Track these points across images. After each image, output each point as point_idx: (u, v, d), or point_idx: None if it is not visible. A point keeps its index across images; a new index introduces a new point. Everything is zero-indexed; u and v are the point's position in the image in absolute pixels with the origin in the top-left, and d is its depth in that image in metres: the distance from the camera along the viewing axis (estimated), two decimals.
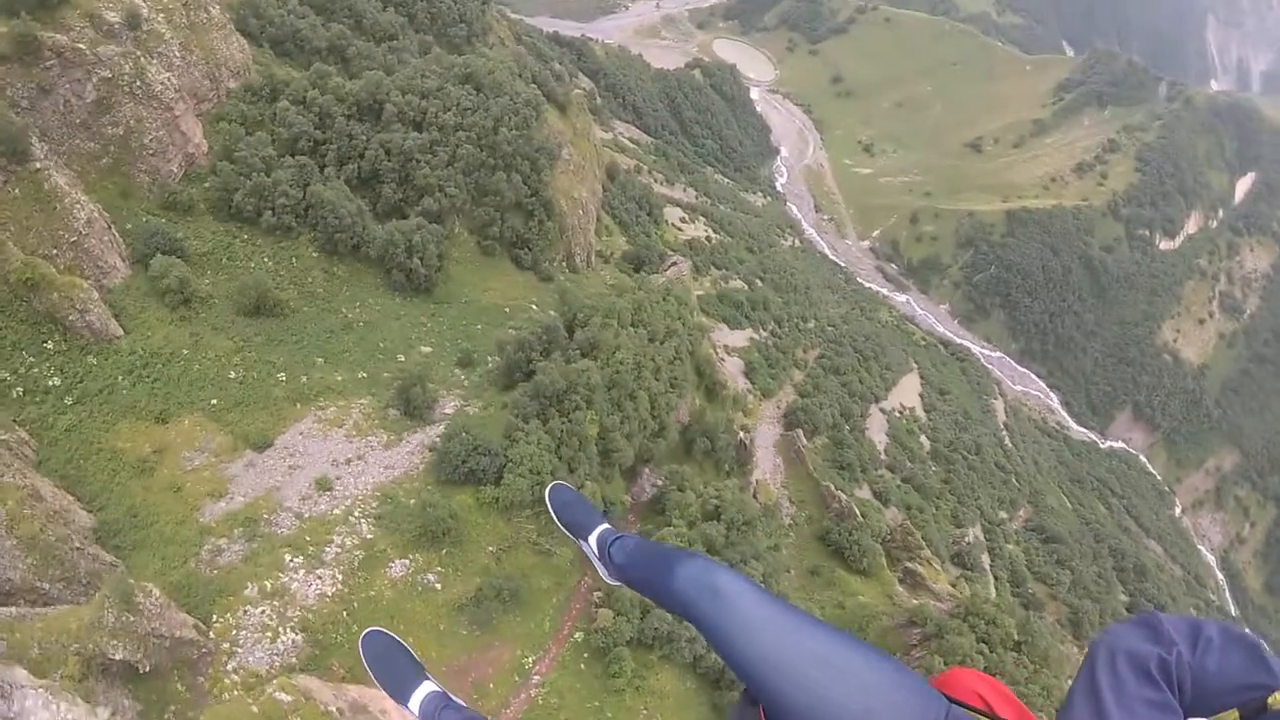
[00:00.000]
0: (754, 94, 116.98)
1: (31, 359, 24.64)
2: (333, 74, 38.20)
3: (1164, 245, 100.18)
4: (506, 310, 36.91)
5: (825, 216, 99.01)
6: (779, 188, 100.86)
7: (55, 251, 25.85)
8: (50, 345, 25.02)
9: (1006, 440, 74.65)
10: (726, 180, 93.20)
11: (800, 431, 47.18)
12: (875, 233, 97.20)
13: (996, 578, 51.75)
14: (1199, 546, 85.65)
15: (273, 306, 30.09)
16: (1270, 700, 1.24)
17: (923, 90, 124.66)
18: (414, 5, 49.89)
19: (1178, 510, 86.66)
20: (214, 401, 26.81)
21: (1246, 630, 1.37)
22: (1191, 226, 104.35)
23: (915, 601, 36.71)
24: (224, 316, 28.99)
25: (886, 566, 40.26)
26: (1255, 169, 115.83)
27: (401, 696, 2.64)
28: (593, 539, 2.59)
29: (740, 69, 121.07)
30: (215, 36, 34.25)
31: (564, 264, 43.64)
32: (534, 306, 37.86)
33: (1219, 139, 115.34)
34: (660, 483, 33.61)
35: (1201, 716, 1.28)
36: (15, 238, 25.13)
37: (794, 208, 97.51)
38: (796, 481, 44.47)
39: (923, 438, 61.42)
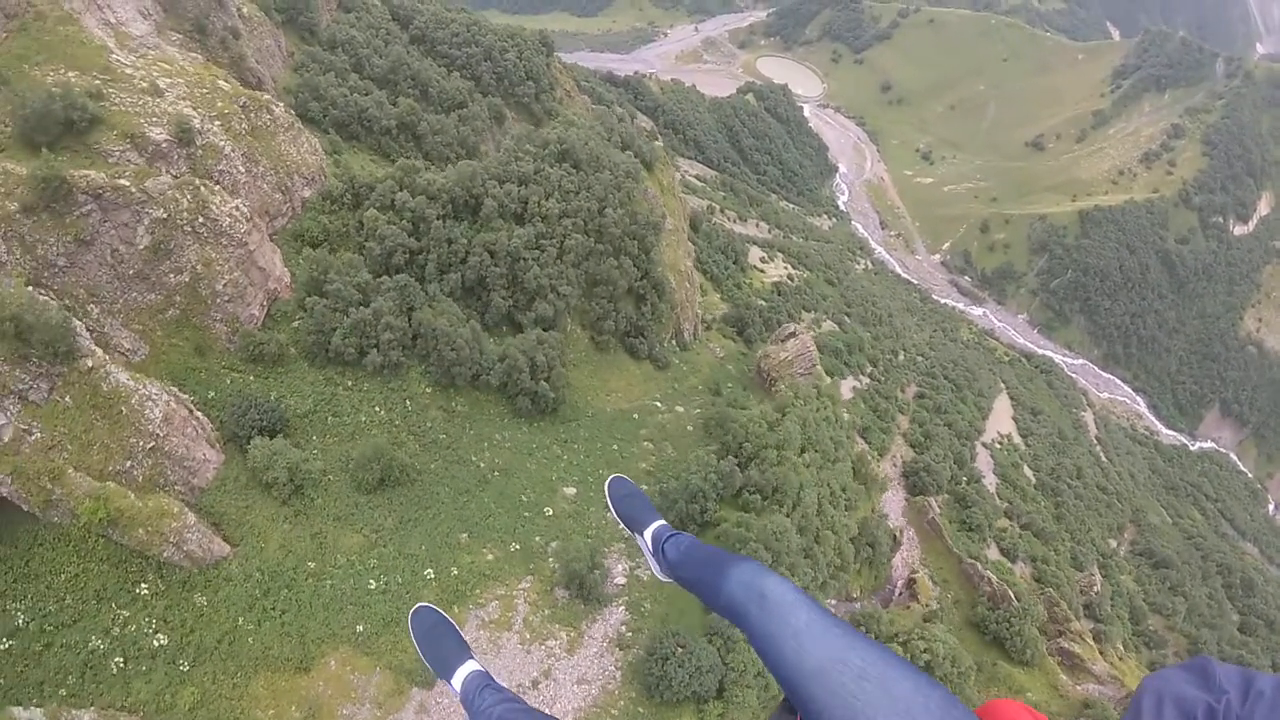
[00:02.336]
0: (805, 111, 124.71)
1: (125, 613, 21.06)
2: (420, 169, 36.71)
3: (1238, 230, 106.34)
4: (635, 417, 36.73)
5: (892, 233, 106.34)
6: (842, 206, 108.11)
7: (130, 464, 22.29)
8: (145, 589, 21.66)
9: (1102, 456, 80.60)
10: (792, 207, 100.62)
11: (933, 500, 49.07)
12: (945, 245, 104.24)
13: (1119, 618, 55.49)
14: None
15: (398, 474, 27.87)
16: None
17: (975, 90, 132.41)
18: (478, 67, 50.69)
19: (1271, 508, 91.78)
20: (360, 628, 23.76)
21: None
22: (1264, 208, 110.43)
23: (1080, 688, 39.01)
24: (345, 499, 26.72)
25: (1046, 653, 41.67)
26: None
27: (446, 672, 2.78)
28: (648, 534, 2.82)
29: (789, 87, 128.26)
30: (283, 140, 31.55)
31: (674, 341, 44.37)
32: (658, 404, 38.36)
33: None
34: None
35: None
36: (76, 458, 21.32)
37: (859, 226, 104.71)
38: (934, 557, 45.79)
39: (1026, 469, 66.57)
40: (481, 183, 36.36)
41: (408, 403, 30.60)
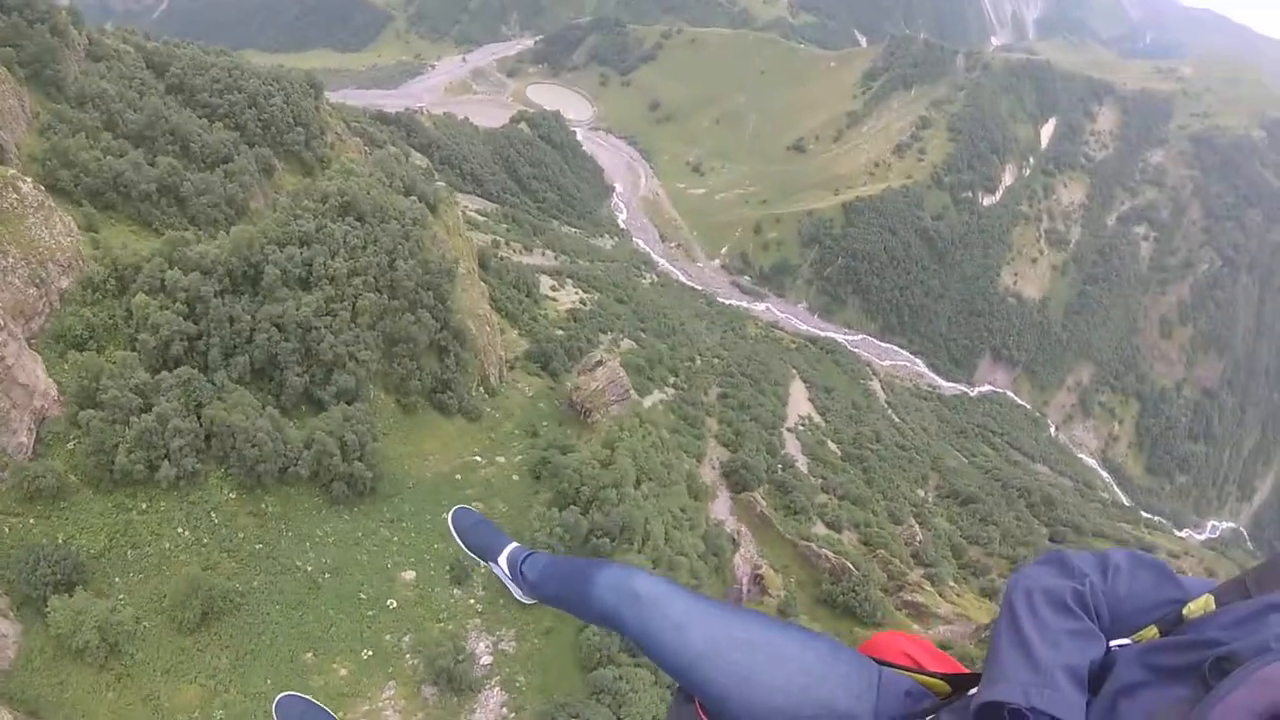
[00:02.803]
0: (578, 135, 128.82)
1: None
2: (190, 239, 33.34)
3: (987, 201, 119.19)
4: (458, 477, 35.67)
5: (673, 244, 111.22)
6: (621, 224, 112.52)
7: None
8: None
9: (895, 417, 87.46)
10: (575, 231, 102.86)
11: (757, 494, 51.52)
12: (723, 250, 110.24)
13: (944, 558, 59.35)
14: (1079, 455, 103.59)
15: (221, 603, 25.27)
16: (1185, 611, 1.40)
17: (738, 103, 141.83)
18: (243, 115, 47.37)
19: (1052, 430, 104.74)
20: None
21: (1151, 554, 1.61)
22: (1008, 178, 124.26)
23: (931, 633, 40.87)
24: (169, 646, 24.21)
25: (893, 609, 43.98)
26: (1054, 114, 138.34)
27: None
28: (503, 560, 2.77)
29: (561, 113, 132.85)
30: (33, 222, 28.00)
31: (481, 389, 42.65)
32: (479, 458, 37.25)
33: (1018, 95, 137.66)
34: None
35: (1123, 637, 1.45)
36: None
37: (641, 242, 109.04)
38: (771, 547, 47.72)
39: (830, 444, 71.14)
40: (260, 249, 33.44)
41: (213, 515, 27.83)
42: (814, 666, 1.72)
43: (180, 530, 26.78)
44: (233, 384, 30.29)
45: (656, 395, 59.48)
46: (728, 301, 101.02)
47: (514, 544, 2.86)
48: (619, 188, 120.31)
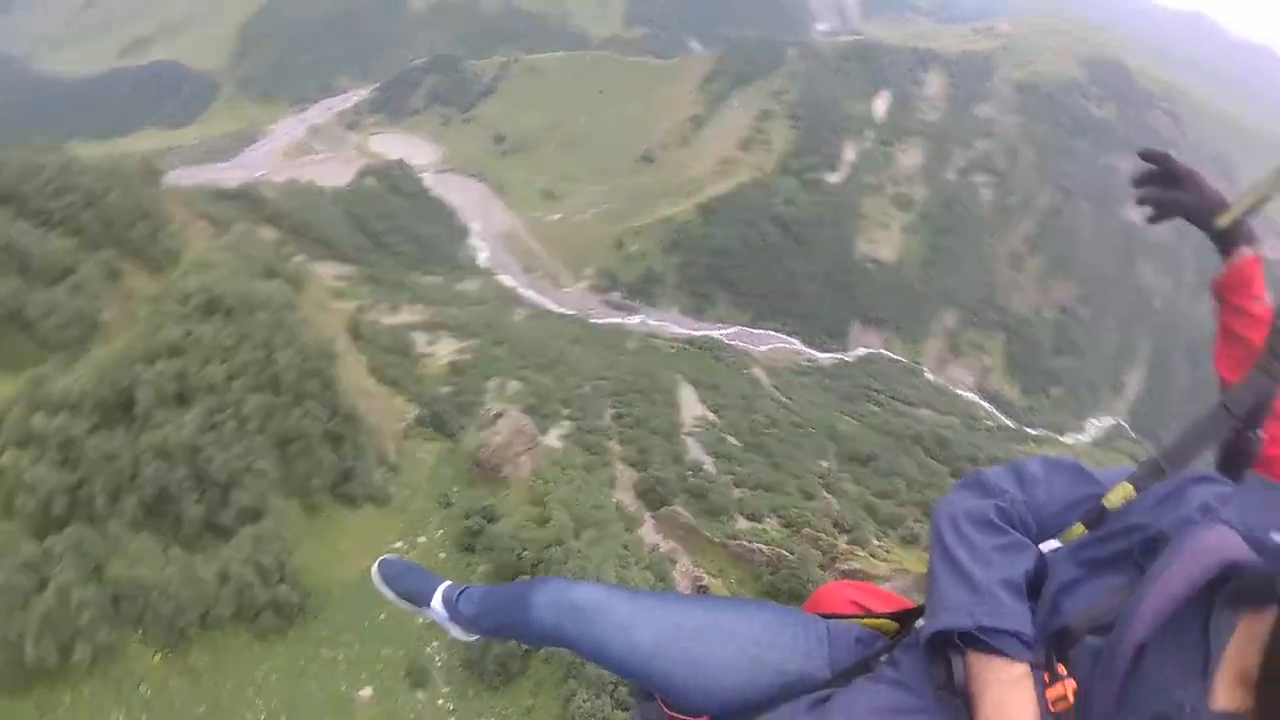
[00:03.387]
0: (427, 180, 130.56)
1: None
2: (50, 375, 30.61)
3: (833, 179, 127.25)
4: None
5: (537, 274, 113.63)
6: (483, 264, 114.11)
7: None
8: None
9: (783, 398, 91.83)
10: (438, 279, 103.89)
11: (677, 507, 51.85)
12: (589, 270, 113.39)
13: (862, 520, 60.72)
14: (959, 393, 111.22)
15: None
16: (1106, 503, 1.46)
17: (583, 123, 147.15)
18: (81, 216, 43.40)
19: (928, 375, 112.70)
20: None
21: (1063, 455, 1.70)
22: (851, 155, 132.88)
23: None
24: None
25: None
26: (885, 87, 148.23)
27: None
28: (437, 601, 2.72)
29: (406, 160, 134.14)
30: None
31: (382, 469, 40.95)
32: (399, 544, 35.84)
33: (849, 76, 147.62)
34: None
35: (1052, 540, 1.51)
36: None
37: (505, 278, 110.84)
38: (703, 555, 48.02)
39: (730, 438, 73.20)
40: (127, 370, 30.73)
41: (143, 688, 25.28)
42: (761, 635, 1.77)
43: (117, 716, 24.36)
44: (129, 532, 27.54)
45: (555, 431, 59.51)
46: (601, 321, 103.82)
47: (446, 583, 2.84)
48: (475, 227, 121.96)
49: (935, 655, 1.40)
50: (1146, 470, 1.48)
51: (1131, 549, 1.35)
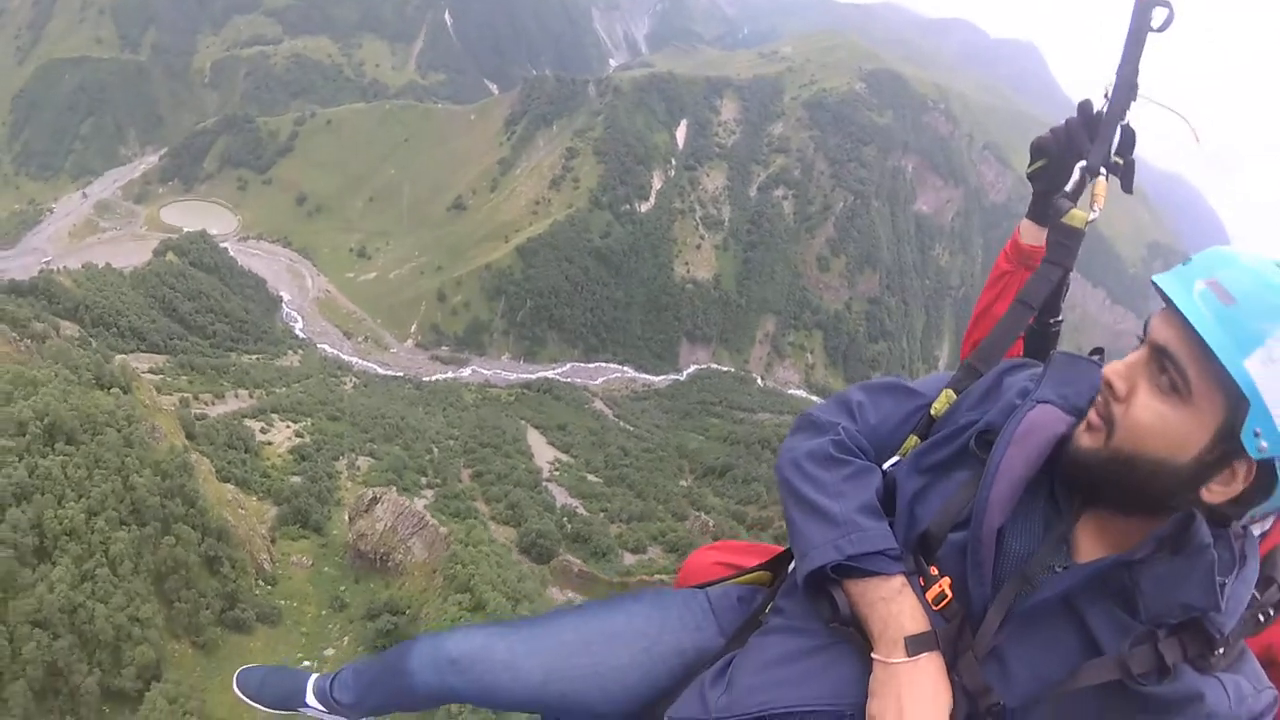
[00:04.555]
0: (230, 250, 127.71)
1: None
2: None
3: (644, 208, 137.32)
4: None
5: (360, 339, 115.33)
6: (301, 335, 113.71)
7: None
8: None
9: (628, 426, 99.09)
10: (256, 358, 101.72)
11: (566, 557, 53.96)
12: (413, 328, 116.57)
13: (735, 529, 64.52)
14: (789, 392, 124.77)
15: None
16: (933, 412, 1.59)
17: (388, 176, 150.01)
18: None
19: (759, 380, 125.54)
20: None
21: (881, 377, 1.84)
22: (658, 183, 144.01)
23: None
24: None
25: None
26: (684, 116, 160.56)
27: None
28: (311, 698, 2.63)
29: (206, 231, 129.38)
30: None
31: (261, 582, 39.52)
32: (305, 661, 34.01)
33: (650, 108, 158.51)
34: None
35: (892, 457, 1.62)
36: None
37: (327, 347, 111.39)
38: (602, 594, 49.49)
39: (589, 476, 78.14)
40: None
41: None
42: (647, 627, 1.81)
43: None
44: None
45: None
46: (434, 378, 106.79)
47: (314, 676, 2.73)
48: (287, 296, 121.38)
49: (816, 594, 1.49)
50: (963, 373, 1.64)
51: (966, 445, 1.46)
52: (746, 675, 1.55)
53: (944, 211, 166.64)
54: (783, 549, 1.86)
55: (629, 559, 58.79)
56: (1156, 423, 1.21)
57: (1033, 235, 1.98)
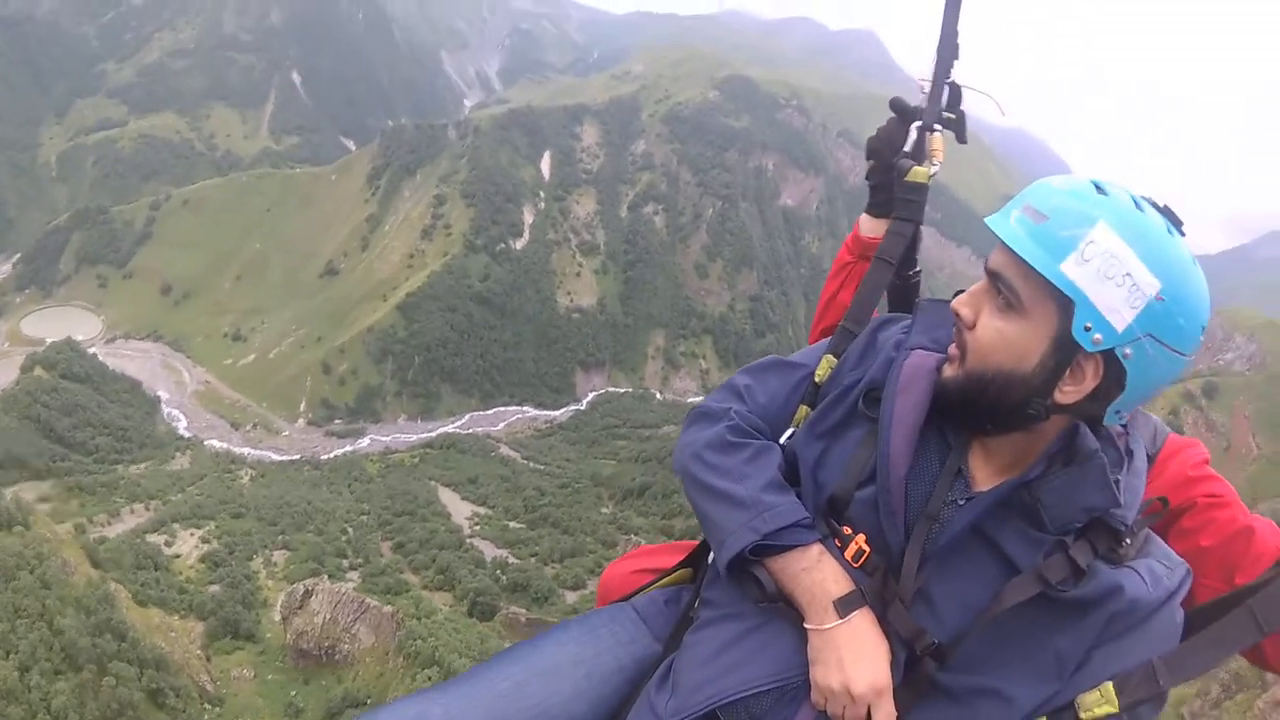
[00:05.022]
0: (99, 355, 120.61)
1: None
2: None
3: (520, 245, 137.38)
4: None
5: (248, 426, 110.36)
6: (185, 434, 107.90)
7: None
8: None
9: (539, 466, 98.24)
10: (144, 465, 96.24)
11: (510, 608, 53.94)
12: (302, 406, 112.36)
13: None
14: (689, 400, 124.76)
15: None
16: (816, 379, 1.64)
17: (255, 250, 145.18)
18: None
19: (657, 395, 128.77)
20: None
21: (762, 358, 1.82)
22: (530, 218, 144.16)
23: None
24: None
25: None
26: (547, 148, 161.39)
27: None
28: None
29: (72, 337, 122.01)
30: None
31: (206, 704, 38.33)
32: None
33: (512, 144, 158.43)
34: None
35: (787, 430, 1.65)
36: None
37: (215, 441, 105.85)
38: None
39: (511, 524, 77.62)
40: None
41: None
42: (580, 653, 1.76)
43: None
44: None
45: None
46: (332, 455, 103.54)
47: None
48: (165, 395, 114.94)
49: (740, 578, 1.50)
50: (839, 338, 1.70)
51: (856, 405, 1.52)
52: (689, 673, 1.55)
53: (808, 201, 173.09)
54: (697, 543, 1.88)
55: (571, 597, 58.93)
56: (997, 339, 1.29)
57: (871, 228, 2.09)
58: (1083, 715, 1.26)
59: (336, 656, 41.60)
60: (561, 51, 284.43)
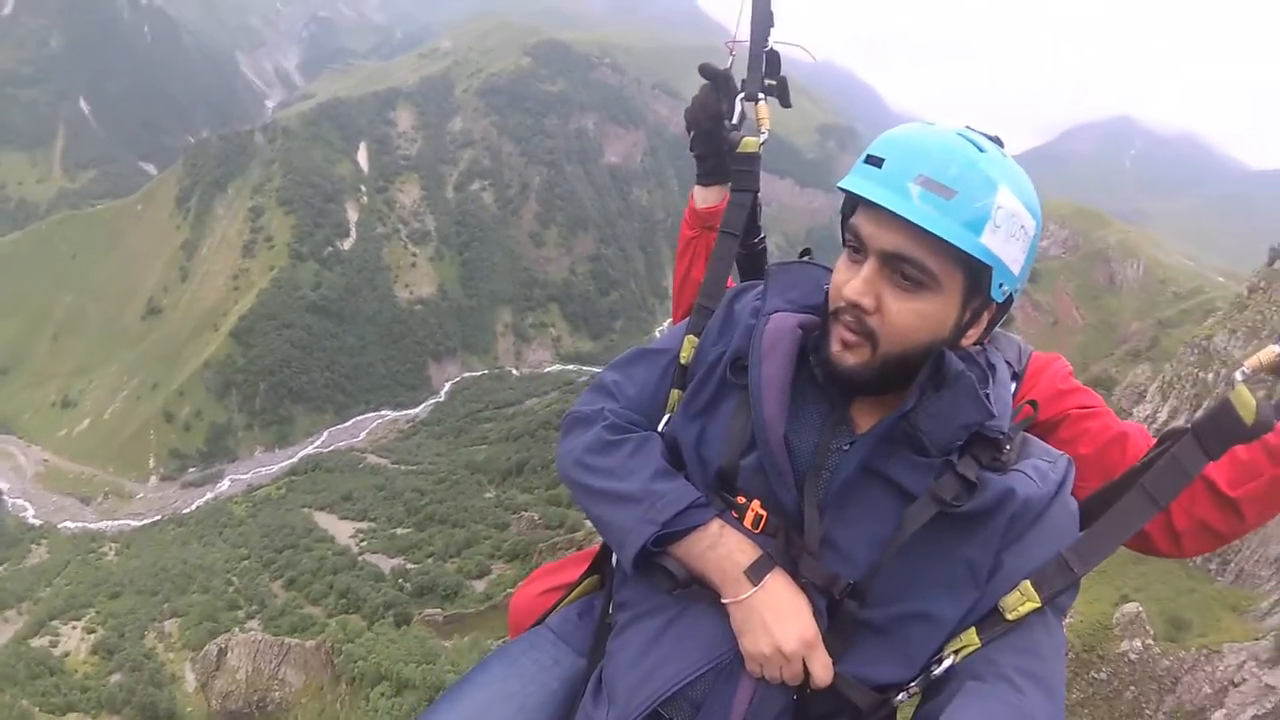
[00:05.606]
0: None
1: None
2: None
3: (348, 245, 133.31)
4: None
5: (99, 498, 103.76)
6: (36, 523, 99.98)
7: None
8: None
9: (412, 468, 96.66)
10: (3, 569, 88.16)
11: (424, 612, 53.00)
12: (151, 463, 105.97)
13: (572, 515, 64.51)
14: (546, 371, 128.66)
15: None
16: (681, 361, 1.61)
17: (67, 304, 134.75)
18: None
19: (514, 371, 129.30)
20: None
21: (625, 351, 1.78)
22: (354, 215, 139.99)
23: None
24: None
25: None
26: (361, 139, 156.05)
27: None
28: None
29: None
30: None
31: None
32: None
33: (325, 139, 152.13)
34: None
35: (663, 417, 1.62)
36: None
37: (69, 524, 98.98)
38: (480, 625, 50.14)
39: (398, 531, 76.03)
40: None
41: None
42: (507, 689, 1.69)
43: None
44: None
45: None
46: (195, 506, 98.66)
47: None
48: (4, 485, 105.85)
49: (649, 573, 1.47)
50: (697, 316, 1.66)
51: (724, 377, 1.50)
52: (621, 679, 1.51)
53: (632, 156, 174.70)
54: (599, 547, 1.84)
55: (479, 585, 58.53)
56: (915, 319, 1.29)
57: (705, 198, 2.08)
58: (1009, 616, 1.29)
59: (269, 706, 39.97)
60: (363, 36, 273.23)
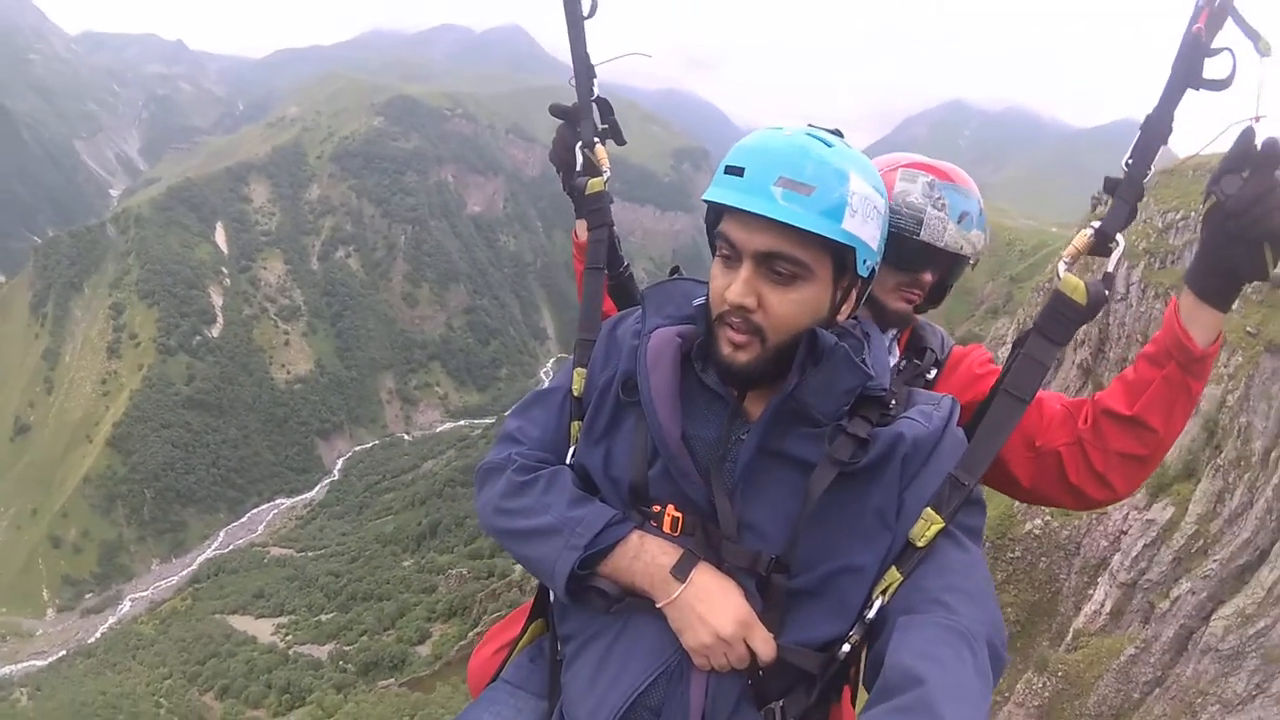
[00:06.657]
0: None
1: None
2: None
3: (216, 331, 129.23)
4: None
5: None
6: None
7: None
8: None
9: (313, 554, 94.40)
10: None
11: (375, 686, 52.82)
12: (45, 595, 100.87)
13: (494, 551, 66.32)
14: (438, 429, 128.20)
15: None
16: (575, 393, 1.64)
17: None
18: None
19: (407, 437, 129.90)
20: None
21: (523, 397, 1.84)
22: (219, 299, 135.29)
23: None
24: None
25: None
26: (218, 218, 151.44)
27: None
28: None
29: None
30: None
31: None
32: None
33: (180, 224, 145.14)
34: None
35: (569, 449, 1.67)
36: None
37: None
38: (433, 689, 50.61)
39: (322, 617, 74.08)
40: None
41: None
42: None
43: None
44: None
45: None
46: (99, 634, 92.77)
47: None
48: None
49: (584, 598, 1.49)
50: (580, 350, 1.69)
51: (618, 398, 1.54)
52: (577, 707, 1.53)
53: (494, 203, 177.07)
54: (537, 593, 1.86)
55: (423, 650, 58.35)
56: (796, 308, 1.34)
57: (584, 232, 2.07)
58: (920, 544, 1.33)
59: None
60: (204, 110, 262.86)
